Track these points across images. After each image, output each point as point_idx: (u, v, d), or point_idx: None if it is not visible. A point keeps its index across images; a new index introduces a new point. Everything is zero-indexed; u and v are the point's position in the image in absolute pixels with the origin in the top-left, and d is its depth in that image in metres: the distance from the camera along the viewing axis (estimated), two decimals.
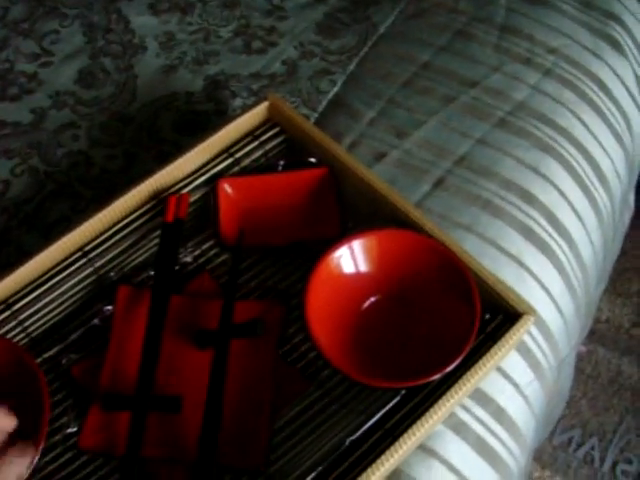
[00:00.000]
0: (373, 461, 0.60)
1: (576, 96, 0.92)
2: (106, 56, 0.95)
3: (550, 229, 0.82)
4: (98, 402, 0.65)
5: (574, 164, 0.87)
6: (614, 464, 1.34)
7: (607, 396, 1.41)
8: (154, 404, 0.65)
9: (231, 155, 0.79)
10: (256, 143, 0.80)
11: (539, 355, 0.76)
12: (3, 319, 0.68)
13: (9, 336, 0.68)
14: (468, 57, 0.94)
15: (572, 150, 0.88)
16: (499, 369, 0.72)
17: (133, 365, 0.67)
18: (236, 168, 0.79)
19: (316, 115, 0.89)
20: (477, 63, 0.93)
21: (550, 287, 0.79)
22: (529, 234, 0.80)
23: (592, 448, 1.37)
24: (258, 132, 0.81)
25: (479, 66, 0.93)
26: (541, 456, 1.35)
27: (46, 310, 0.70)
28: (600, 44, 0.97)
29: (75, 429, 0.65)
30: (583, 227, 0.86)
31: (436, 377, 0.63)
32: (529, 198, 0.82)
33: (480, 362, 0.64)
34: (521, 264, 0.78)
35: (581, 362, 1.46)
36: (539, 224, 0.81)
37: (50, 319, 0.70)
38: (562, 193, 0.85)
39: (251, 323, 0.67)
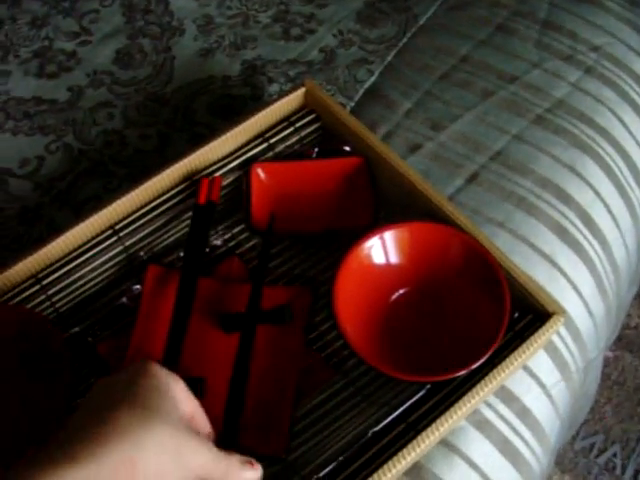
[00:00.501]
0: (394, 454, 0.60)
1: (617, 95, 0.90)
2: (144, 37, 0.95)
3: (584, 229, 0.81)
4: None
5: (611, 164, 0.85)
6: (635, 473, 1.32)
7: (632, 403, 1.40)
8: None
9: (265, 140, 0.79)
10: (291, 129, 0.80)
11: (567, 356, 0.75)
12: (32, 293, 0.69)
13: (38, 310, 0.69)
14: (508, 52, 0.92)
15: (610, 150, 0.86)
16: (526, 368, 0.71)
17: (159, 345, 0.67)
18: (270, 153, 0.78)
19: (352, 104, 0.89)
20: (517, 58, 0.92)
21: (581, 288, 0.78)
22: (563, 233, 0.79)
23: (614, 455, 1.35)
24: (293, 118, 0.81)
25: (519, 61, 0.91)
26: (562, 460, 1.34)
27: (75, 286, 0.70)
28: None
29: None
30: (617, 228, 0.85)
31: (462, 373, 0.62)
32: (564, 197, 0.81)
33: (507, 361, 0.63)
34: (553, 263, 0.77)
35: (607, 368, 1.44)
36: (573, 224, 0.80)
37: (78, 295, 0.70)
38: (598, 193, 0.83)
39: (278, 309, 0.67)
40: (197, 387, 0.63)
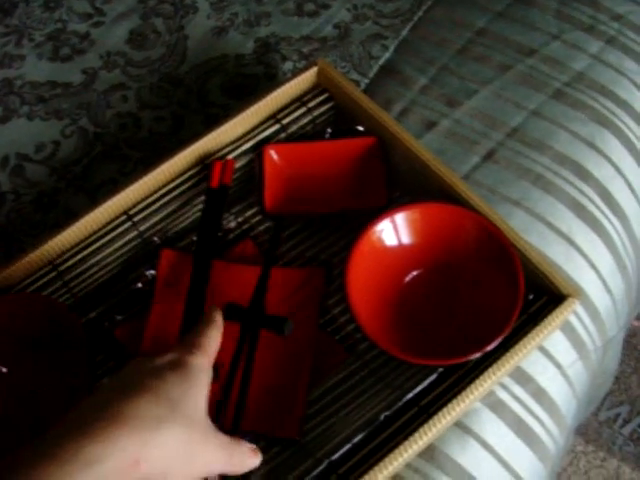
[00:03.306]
0: (406, 438, 0.60)
1: (639, 66, 0.88)
2: (157, 16, 0.94)
3: (603, 206, 0.79)
4: None
5: (633, 139, 0.84)
6: None
7: None
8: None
9: (278, 121, 0.78)
10: (304, 109, 0.79)
11: (584, 335, 0.74)
12: (49, 279, 0.70)
13: (55, 296, 0.69)
14: (527, 24, 0.90)
15: (632, 124, 0.84)
16: (541, 348, 0.70)
17: (174, 329, 0.68)
18: (283, 134, 0.78)
19: (366, 81, 0.88)
20: (536, 30, 0.90)
21: (600, 266, 0.77)
22: (581, 211, 0.78)
23: (639, 426, 1.35)
24: (306, 98, 0.80)
25: (538, 33, 0.89)
26: (586, 431, 1.33)
27: (91, 272, 0.71)
28: None
29: None
30: (638, 204, 0.83)
31: (475, 356, 0.62)
32: (583, 173, 0.79)
33: (521, 343, 0.63)
34: (571, 242, 0.76)
35: (634, 337, 1.43)
36: (592, 200, 0.79)
37: (95, 281, 0.71)
38: (618, 169, 0.82)
39: (280, 320, 0.66)
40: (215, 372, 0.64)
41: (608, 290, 0.78)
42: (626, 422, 1.36)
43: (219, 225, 0.72)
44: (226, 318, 0.65)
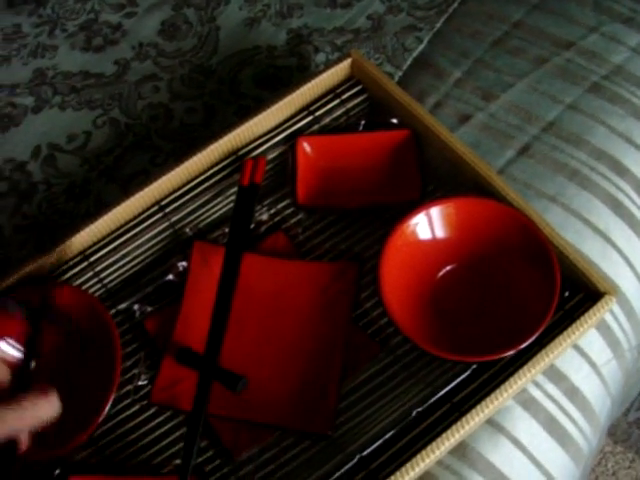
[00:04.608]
0: (438, 435, 0.59)
1: None
2: (189, 7, 0.94)
3: None
4: (170, 356, 0.66)
5: None
6: None
7: None
8: (218, 375, 0.64)
9: (311, 113, 0.78)
10: (337, 101, 0.78)
11: (619, 334, 0.73)
12: (80, 270, 0.70)
13: (86, 286, 0.70)
14: (564, 16, 0.89)
15: None
16: (576, 346, 0.69)
17: (205, 322, 0.67)
18: (316, 126, 0.77)
19: (400, 73, 0.87)
20: (573, 23, 0.88)
21: (636, 263, 0.75)
22: (618, 207, 0.76)
23: None
24: (340, 90, 0.79)
25: (575, 26, 0.88)
26: (615, 431, 1.32)
27: (122, 262, 0.71)
28: None
29: (145, 382, 0.66)
30: None
31: (509, 354, 0.61)
32: (620, 169, 0.78)
33: (556, 341, 0.62)
34: (607, 239, 0.74)
35: None
36: (629, 197, 0.77)
37: (126, 271, 0.71)
38: None
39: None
40: (233, 384, 0.63)
41: None
42: None
43: (249, 223, 0.72)
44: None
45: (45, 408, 0.51)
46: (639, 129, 0.80)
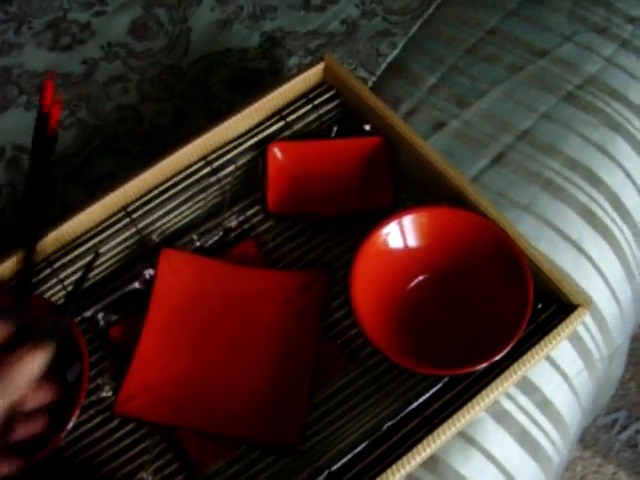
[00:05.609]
0: (409, 449, 0.58)
1: None
2: (160, 7, 0.92)
3: (613, 213, 0.78)
4: (135, 366, 0.64)
5: None
6: None
7: None
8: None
9: (283, 118, 0.76)
10: (309, 106, 0.77)
11: (591, 345, 0.73)
12: (44, 277, 0.68)
13: (49, 293, 0.68)
14: (539, 24, 0.88)
15: None
16: (548, 358, 0.69)
17: (172, 330, 0.66)
18: (287, 132, 0.76)
19: (374, 79, 0.86)
20: (548, 31, 0.88)
21: (609, 274, 0.75)
22: (591, 218, 0.76)
23: (636, 432, 1.33)
24: (312, 95, 0.78)
25: (550, 34, 0.87)
26: (584, 436, 1.32)
27: None
28: None
29: (110, 393, 0.64)
30: None
31: (481, 367, 0.60)
32: (593, 179, 0.78)
33: (529, 354, 0.61)
34: (580, 249, 0.74)
35: (633, 343, 1.41)
36: (602, 207, 0.77)
37: (90, 279, 0.69)
38: (629, 175, 0.80)
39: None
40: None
41: (616, 299, 0.76)
42: (624, 428, 1.34)
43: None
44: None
45: (38, 356, 0.53)
46: (612, 139, 0.80)
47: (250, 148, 0.74)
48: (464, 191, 0.69)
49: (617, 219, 0.78)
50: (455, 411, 0.60)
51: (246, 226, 0.72)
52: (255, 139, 0.75)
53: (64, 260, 0.68)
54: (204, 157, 0.73)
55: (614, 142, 0.80)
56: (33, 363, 0.53)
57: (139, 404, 0.63)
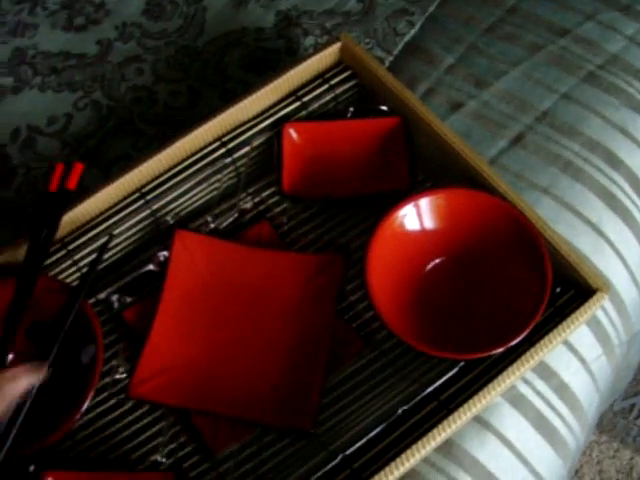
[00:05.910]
0: (424, 434, 0.58)
1: None
2: None
3: (633, 195, 0.77)
4: (149, 348, 0.64)
5: None
6: None
7: None
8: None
9: (299, 98, 0.75)
10: (326, 86, 0.76)
11: (610, 329, 0.72)
12: (58, 258, 0.68)
13: (63, 275, 0.68)
14: (560, 2, 0.87)
15: None
16: (565, 342, 0.68)
17: (185, 312, 0.66)
18: (303, 112, 0.75)
19: (391, 58, 0.84)
20: (569, 9, 0.86)
21: (628, 258, 0.74)
22: (610, 200, 0.75)
23: None
24: (328, 75, 0.77)
25: (571, 13, 0.86)
26: (601, 421, 1.31)
27: None
28: None
29: (124, 375, 0.64)
30: None
31: (498, 351, 0.60)
32: (614, 161, 0.76)
33: (546, 338, 0.61)
34: (599, 232, 0.73)
35: None
36: (622, 190, 0.76)
37: (105, 260, 0.69)
38: None
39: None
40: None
41: (636, 283, 0.75)
42: None
43: (50, 237, 0.66)
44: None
45: (34, 372, 0.56)
46: (634, 120, 0.79)
47: (265, 129, 0.74)
48: (482, 173, 0.68)
49: (638, 201, 0.76)
50: (471, 396, 0.59)
51: (261, 208, 0.72)
52: (270, 120, 0.74)
53: (78, 242, 0.68)
54: (219, 138, 0.73)
55: (635, 123, 0.79)
56: (22, 384, 0.55)
57: (153, 387, 0.63)
